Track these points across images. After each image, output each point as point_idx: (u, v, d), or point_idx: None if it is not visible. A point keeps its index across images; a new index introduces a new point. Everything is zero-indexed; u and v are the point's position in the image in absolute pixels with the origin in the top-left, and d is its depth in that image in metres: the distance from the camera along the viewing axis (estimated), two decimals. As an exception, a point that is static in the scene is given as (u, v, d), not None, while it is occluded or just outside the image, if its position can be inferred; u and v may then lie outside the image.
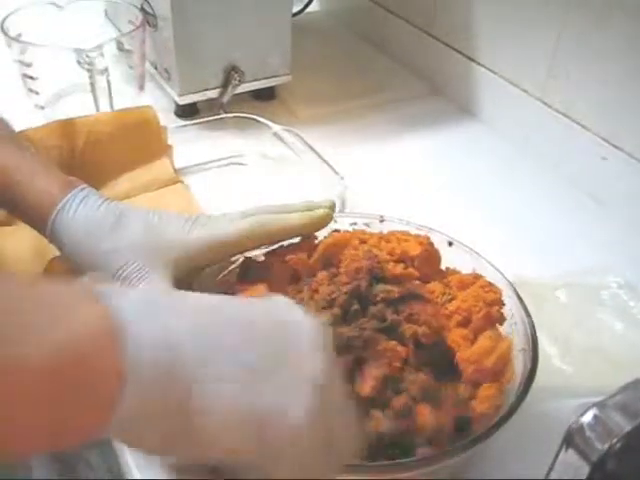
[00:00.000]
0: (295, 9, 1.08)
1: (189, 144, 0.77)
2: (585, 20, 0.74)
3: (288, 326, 0.33)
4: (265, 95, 0.91)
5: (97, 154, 0.71)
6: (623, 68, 0.72)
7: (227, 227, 0.50)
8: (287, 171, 0.74)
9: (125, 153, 0.72)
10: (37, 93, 0.79)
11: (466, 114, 0.93)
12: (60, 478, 1.18)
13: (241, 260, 0.54)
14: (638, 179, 0.73)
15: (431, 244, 0.56)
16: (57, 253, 0.58)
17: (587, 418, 0.27)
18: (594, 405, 0.28)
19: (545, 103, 0.81)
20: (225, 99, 0.85)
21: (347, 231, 0.57)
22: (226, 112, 0.83)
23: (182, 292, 0.33)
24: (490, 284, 0.53)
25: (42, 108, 0.80)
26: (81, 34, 0.80)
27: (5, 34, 0.75)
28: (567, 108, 0.79)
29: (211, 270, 0.52)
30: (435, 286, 0.54)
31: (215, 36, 0.81)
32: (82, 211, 0.49)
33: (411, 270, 0.54)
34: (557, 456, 0.28)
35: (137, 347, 0.26)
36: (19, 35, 0.77)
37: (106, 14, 0.92)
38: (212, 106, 0.85)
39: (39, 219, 0.50)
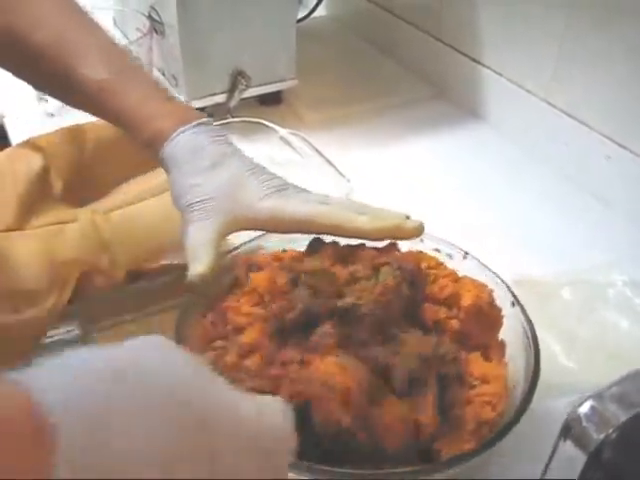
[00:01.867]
0: (301, 14, 1.10)
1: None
2: (588, 22, 0.74)
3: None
4: (272, 100, 0.92)
5: (106, 159, 0.72)
6: (626, 68, 0.72)
7: (299, 207, 0.51)
8: (294, 174, 0.75)
9: (133, 158, 0.73)
10: (47, 101, 0.80)
11: (472, 116, 0.93)
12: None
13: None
14: (642, 178, 0.73)
15: (490, 302, 0.51)
16: (67, 256, 0.59)
17: (584, 409, 0.28)
18: (591, 396, 0.28)
19: (550, 104, 0.82)
20: (232, 104, 0.86)
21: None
22: (233, 117, 0.84)
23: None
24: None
25: (52, 115, 0.82)
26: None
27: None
28: (571, 108, 0.79)
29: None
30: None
31: (221, 42, 0.82)
32: (191, 144, 0.52)
33: (454, 322, 0.50)
34: (555, 447, 0.29)
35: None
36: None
37: (114, 22, 0.93)
38: (219, 111, 0.86)
39: (155, 148, 0.54)
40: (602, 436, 0.26)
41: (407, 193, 0.78)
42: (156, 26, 0.84)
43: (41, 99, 0.81)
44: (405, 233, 0.51)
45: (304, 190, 0.54)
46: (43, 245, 0.61)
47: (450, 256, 0.56)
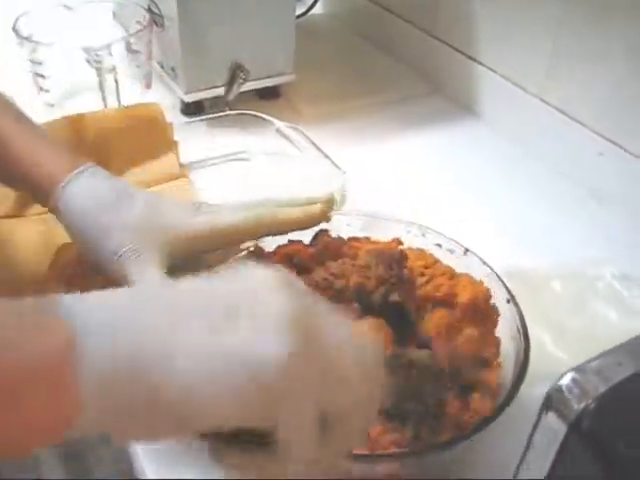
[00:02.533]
0: (299, 11, 1.11)
1: (194, 140, 0.79)
2: (582, 19, 0.75)
3: (247, 281, 0.33)
4: (270, 94, 0.93)
5: (105, 149, 0.73)
6: (619, 66, 0.73)
7: (228, 216, 0.52)
8: (290, 166, 0.76)
9: (132, 148, 0.74)
10: (47, 91, 0.81)
11: (467, 112, 0.94)
12: (71, 478, 1.20)
13: (252, 248, 0.56)
14: (633, 173, 0.74)
15: (487, 299, 0.52)
16: (66, 241, 0.60)
17: (565, 381, 0.29)
18: (572, 369, 0.29)
19: (543, 100, 0.83)
20: (230, 97, 0.87)
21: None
22: (231, 109, 0.85)
23: (143, 286, 0.34)
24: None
25: (52, 106, 0.82)
26: (90, 34, 0.82)
27: (17, 34, 0.77)
28: (564, 105, 0.81)
29: (215, 256, 0.54)
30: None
31: (220, 35, 0.83)
32: (90, 185, 0.50)
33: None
34: (538, 420, 0.30)
35: (91, 359, 0.28)
36: (30, 35, 0.79)
37: (114, 15, 0.94)
38: (218, 104, 0.87)
39: (44, 191, 0.51)
40: (582, 406, 0.28)
41: (401, 187, 0.79)
42: (156, 19, 0.85)
43: (41, 90, 0.81)
44: (323, 216, 0.55)
45: (216, 204, 0.54)
46: (42, 230, 0.61)
47: (451, 251, 0.57)
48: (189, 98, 0.86)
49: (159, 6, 0.85)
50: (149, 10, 0.85)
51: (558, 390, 0.28)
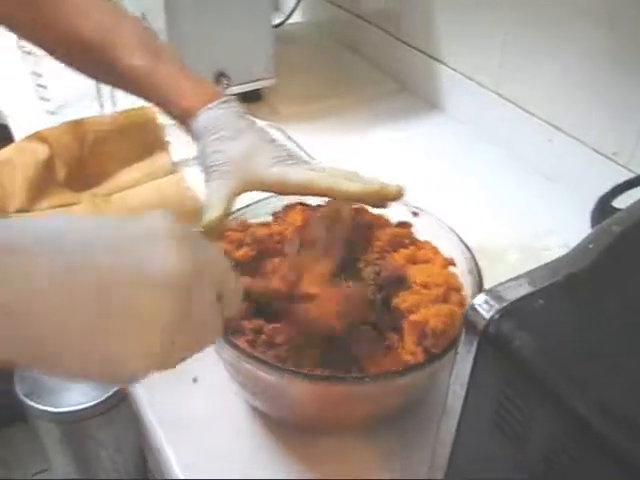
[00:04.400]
0: (279, 20, 1.20)
1: (185, 141, 0.87)
2: (527, 18, 0.85)
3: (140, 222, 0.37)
4: (252, 97, 1.02)
5: (103, 150, 0.81)
6: (563, 60, 0.82)
7: (300, 174, 0.60)
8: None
9: (128, 148, 0.82)
10: (48, 100, 0.89)
11: (432, 107, 1.03)
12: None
13: None
14: (579, 157, 0.83)
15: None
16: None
17: (477, 301, 0.37)
18: (483, 291, 0.38)
19: (497, 93, 0.92)
20: (215, 101, 0.95)
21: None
22: (216, 112, 0.94)
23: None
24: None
25: (53, 113, 0.90)
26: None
27: (21, 49, 0.86)
28: (516, 97, 0.90)
29: None
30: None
31: (204, 46, 0.92)
32: (217, 115, 0.62)
33: None
34: (459, 335, 0.38)
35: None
36: (32, 50, 0.87)
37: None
38: (204, 108, 0.96)
39: (184, 118, 0.63)
40: (488, 317, 0.36)
41: (373, 173, 0.87)
42: (145, 32, 0.93)
43: (42, 98, 0.90)
44: (388, 194, 0.61)
45: (306, 161, 0.63)
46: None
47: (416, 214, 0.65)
48: (178, 103, 0.94)
49: (149, 20, 0.93)
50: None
51: (472, 308, 0.37)
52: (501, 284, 0.38)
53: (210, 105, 0.63)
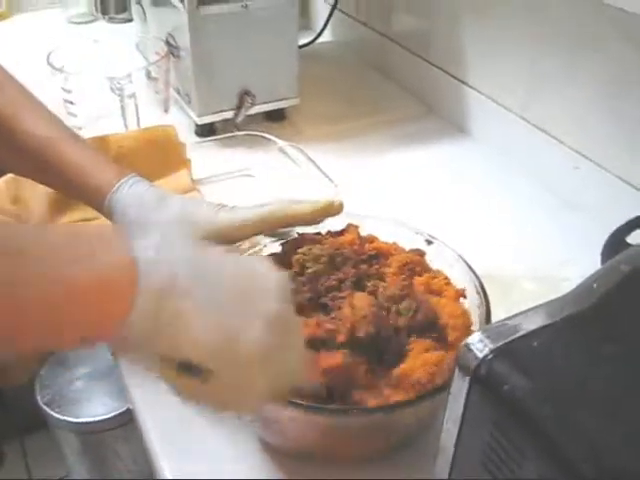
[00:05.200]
0: (308, 39, 1.20)
1: (205, 158, 0.88)
2: (553, 44, 0.83)
3: (256, 274, 0.43)
4: (276, 116, 1.02)
5: (125, 165, 0.82)
6: (591, 88, 0.80)
7: (248, 212, 0.60)
8: (289, 181, 0.85)
9: (150, 165, 0.83)
10: (75, 116, 0.91)
11: (457, 131, 1.02)
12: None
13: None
14: (605, 186, 0.81)
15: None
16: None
17: (471, 340, 0.36)
18: (478, 330, 0.37)
19: (524, 119, 0.90)
20: (239, 119, 0.96)
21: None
22: (240, 130, 0.94)
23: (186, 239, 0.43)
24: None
25: (80, 129, 0.92)
26: (114, 64, 0.92)
27: (50, 66, 0.87)
28: (543, 123, 0.88)
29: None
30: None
31: (229, 64, 0.93)
32: (134, 191, 0.61)
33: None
34: (453, 373, 0.37)
35: (146, 275, 0.38)
36: (62, 67, 0.89)
37: (137, 47, 1.04)
38: (228, 125, 0.97)
39: (96, 198, 0.62)
40: (482, 355, 0.35)
41: (392, 196, 0.86)
42: (172, 50, 0.95)
43: (70, 114, 0.91)
44: (332, 210, 0.61)
45: (236, 205, 0.62)
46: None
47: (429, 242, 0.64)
48: (201, 121, 0.95)
49: (175, 39, 0.94)
50: (167, 42, 0.95)
51: (466, 346, 0.36)
52: (499, 323, 0.37)
53: (124, 179, 0.62)
